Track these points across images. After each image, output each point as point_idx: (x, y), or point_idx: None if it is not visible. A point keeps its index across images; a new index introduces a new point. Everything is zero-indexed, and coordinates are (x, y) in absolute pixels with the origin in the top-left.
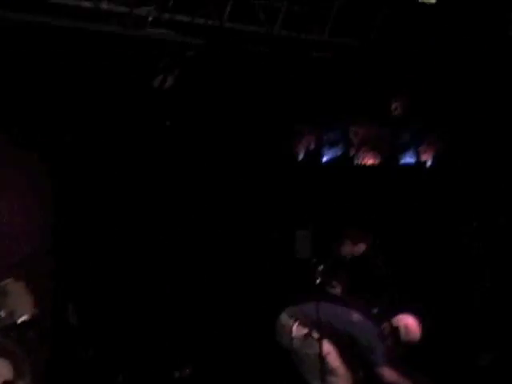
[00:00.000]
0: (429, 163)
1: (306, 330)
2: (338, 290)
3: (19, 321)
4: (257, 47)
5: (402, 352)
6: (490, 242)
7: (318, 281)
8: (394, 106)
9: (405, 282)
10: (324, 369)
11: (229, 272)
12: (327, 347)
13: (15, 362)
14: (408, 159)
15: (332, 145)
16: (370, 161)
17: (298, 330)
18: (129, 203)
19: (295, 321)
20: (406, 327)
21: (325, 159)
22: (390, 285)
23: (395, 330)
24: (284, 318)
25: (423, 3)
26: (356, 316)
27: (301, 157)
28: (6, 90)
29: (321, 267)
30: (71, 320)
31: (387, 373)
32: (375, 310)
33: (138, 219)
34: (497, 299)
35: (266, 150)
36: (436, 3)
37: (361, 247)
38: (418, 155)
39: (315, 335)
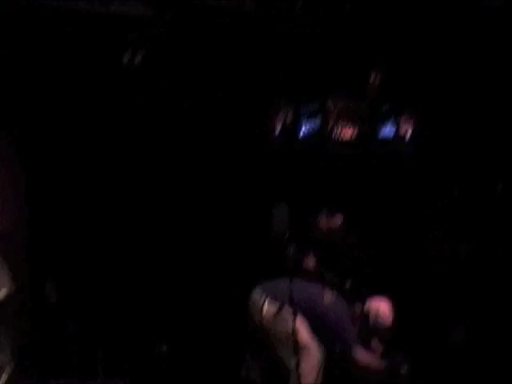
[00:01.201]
0: (408, 136)
1: (277, 306)
2: (311, 265)
3: None
4: (229, 20)
5: (373, 335)
6: (471, 219)
7: (290, 256)
8: (372, 78)
9: (379, 263)
10: (296, 344)
11: (204, 246)
12: (298, 323)
13: None
14: (387, 132)
15: (309, 118)
16: (348, 134)
17: (269, 306)
18: (105, 175)
19: (267, 297)
20: (377, 312)
21: (302, 133)
22: (363, 263)
23: (366, 314)
24: (256, 294)
25: None
26: (328, 296)
27: (277, 131)
28: None
29: (293, 242)
30: (50, 296)
31: (359, 355)
32: (347, 285)
33: (117, 189)
34: (472, 279)
35: (241, 125)
36: None
37: (337, 220)
38: (397, 129)
39: (286, 311)
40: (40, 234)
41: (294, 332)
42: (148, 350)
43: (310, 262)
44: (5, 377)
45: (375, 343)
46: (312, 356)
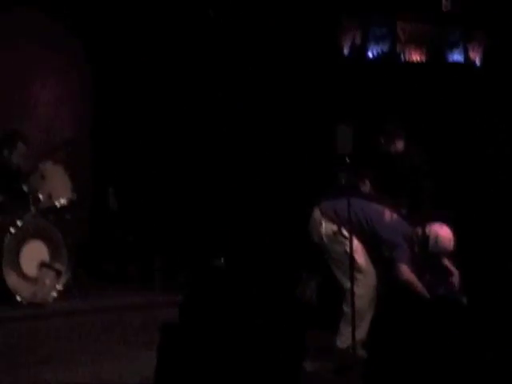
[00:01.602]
0: (477, 61)
1: (335, 227)
2: (367, 187)
3: (57, 204)
4: None
5: (431, 259)
6: None
7: (344, 177)
8: (443, 2)
9: (441, 188)
10: (352, 265)
11: (264, 164)
12: (354, 244)
13: (52, 244)
14: (456, 57)
15: (378, 40)
16: (416, 57)
17: (327, 226)
18: (168, 94)
19: (325, 216)
20: (437, 237)
21: (370, 54)
22: (424, 187)
23: (425, 237)
24: (316, 213)
25: None
26: (388, 215)
27: (346, 51)
28: None
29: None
30: (111, 204)
31: (405, 270)
32: (404, 211)
33: (177, 107)
34: None
35: (309, 42)
36: None
37: (398, 145)
38: (466, 53)
39: (344, 232)
40: (103, 144)
41: (351, 253)
42: (205, 264)
43: (367, 182)
44: (60, 285)
45: (438, 267)
46: (367, 278)
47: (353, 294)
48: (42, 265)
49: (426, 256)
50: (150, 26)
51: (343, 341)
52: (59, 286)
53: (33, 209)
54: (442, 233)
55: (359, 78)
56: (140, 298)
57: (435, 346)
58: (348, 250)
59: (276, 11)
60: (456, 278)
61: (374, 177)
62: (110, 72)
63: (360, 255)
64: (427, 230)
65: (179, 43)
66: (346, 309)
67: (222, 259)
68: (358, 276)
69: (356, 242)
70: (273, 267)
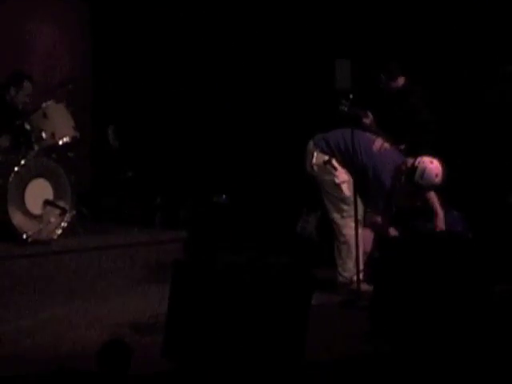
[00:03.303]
0: None
1: (326, 157)
2: (369, 120)
3: (60, 142)
4: None
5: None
6: None
7: (344, 108)
8: None
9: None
10: (339, 196)
11: (265, 100)
12: (343, 176)
13: (56, 183)
14: None
15: None
16: None
17: (318, 156)
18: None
19: (317, 147)
20: (425, 170)
21: None
22: (425, 126)
23: (413, 168)
24: (310, 144)
25: None
26: (378, 143)
27: None
28: None
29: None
30: (112, 142)
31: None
32: (402, 147)
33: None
34: None
35: None
36: None
37: (399, 82)
38: None
39: (334, 163)
40: (104, 82)
41: (338, 185)
42: (207, 201)
43: (368, 115)
44: (64, 223)
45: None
46: (352, 210)
47: (357, 227)
48: (47, 203)
49: (409, 186)
50: None
51: (342, 274)
52: (64, 224)
53: (36, 147)
54: (431, 166)
55: (358, 10)
56: (143, 235)
57: (440, 278)
58: (336, 180)
59: None
60: (441, 221)
61: (375, 112)
62: (109, 10)
63: (348, 187)
64: (417, 162)
65: None
66: (336, 241)
67: (224, 196)
68: (344, 207)
69: (345, 174)
70: (273, 203)
